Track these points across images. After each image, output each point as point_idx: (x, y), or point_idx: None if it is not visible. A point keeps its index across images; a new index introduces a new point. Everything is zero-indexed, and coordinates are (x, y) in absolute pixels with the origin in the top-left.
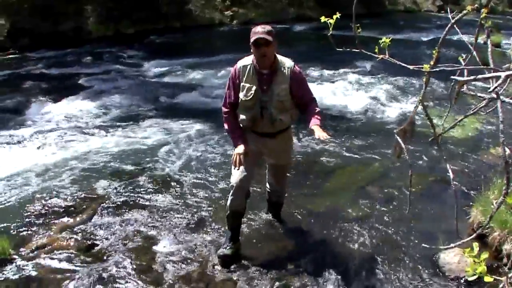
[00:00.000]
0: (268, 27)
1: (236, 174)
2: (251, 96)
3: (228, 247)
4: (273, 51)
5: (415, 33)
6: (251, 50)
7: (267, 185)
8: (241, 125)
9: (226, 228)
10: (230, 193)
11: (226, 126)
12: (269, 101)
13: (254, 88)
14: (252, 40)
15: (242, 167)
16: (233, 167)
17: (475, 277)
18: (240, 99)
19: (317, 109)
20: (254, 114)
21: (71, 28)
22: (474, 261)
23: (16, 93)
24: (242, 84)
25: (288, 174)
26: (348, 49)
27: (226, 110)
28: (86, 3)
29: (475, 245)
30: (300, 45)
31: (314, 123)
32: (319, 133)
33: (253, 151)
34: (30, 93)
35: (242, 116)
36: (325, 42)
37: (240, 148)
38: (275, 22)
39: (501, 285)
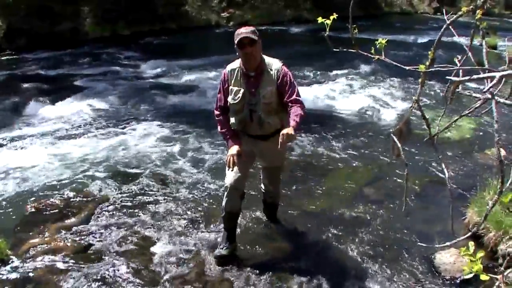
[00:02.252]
0: (251, 28)
1: (230, 176)
2: (239, 100)
3: (224, 248)
4: (259, 51)
5: (411, 35)
6: (237, 54)
7: (262, 186)
8: (232, 128)
9: (223, 228)
10: (225, 195)
11: (218, 128)
12: (257, 104)
13: (241, 91)
14: (236, 40)
15: (236, 168)
16: (227, 168)
17: (471, 275)
18: (229, 103)
19: (298, 112)
20: (243, 117)
21: (68, 29)
22: (470, 260)
23: (12, 94)
24: (230, 87)
25: (281, 176)
26: (344, 49)
27: (218, 113)
28: (82, 4)
29: (471, 243)
30: (296, 46)
31: (285, 129)
32: (280, 141)
33: (247, 152)
34: (27, 94)
35: (232, 119)
36: (322, 43)
37: (234, 149)
38: (272, 24)
39: (497, 283)
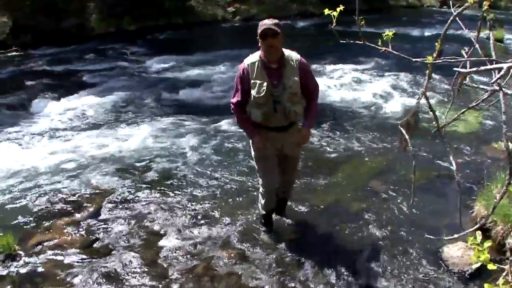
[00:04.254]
0: (275, 20)
1: (266, 179)
2: (264, 93)
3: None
4: (280, 43)
5: (417, 28)
6: (259, 44)
7: None
8: (254, 121)
9: (260, 223)
10: (265, 197)
11: (237, 120)
12: (281, 95)
13: (265, 84)
14: (259, 31)
15: (270, 172)
16: (260, 166)
17: (479, 264)
18: (252, 96)
19: (315, 103)
20: (267, 109)
21: (74, 25)
22: (477, 249)
23: (19, 90)
24: (252, 81)
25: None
26: (351, 41)
27: (236, 106)
28: None
29: (478, 233)
30: (303, 41)
31: (304, 126)
32: (299, 140)
33: (271, 152)
34: (33, 90)
35: (255, 113)
36: (328, 37)
37: (259, 139)
38: (278, 18)
39: (504, 273)
